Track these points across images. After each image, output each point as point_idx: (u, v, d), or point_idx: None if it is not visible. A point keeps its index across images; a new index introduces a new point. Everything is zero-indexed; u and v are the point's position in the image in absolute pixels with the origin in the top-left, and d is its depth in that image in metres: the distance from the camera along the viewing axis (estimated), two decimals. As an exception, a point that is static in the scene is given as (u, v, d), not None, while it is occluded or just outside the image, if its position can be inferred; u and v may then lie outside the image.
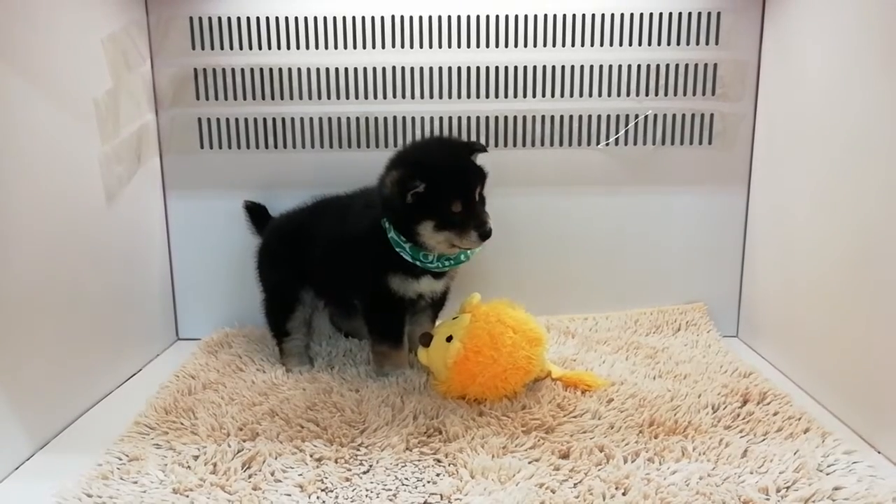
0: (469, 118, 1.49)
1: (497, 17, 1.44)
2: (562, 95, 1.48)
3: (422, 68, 1.46)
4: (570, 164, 1.52)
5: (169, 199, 1.53)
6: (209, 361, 1.37)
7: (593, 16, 1.44)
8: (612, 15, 1.44)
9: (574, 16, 1.44)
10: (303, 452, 1.01)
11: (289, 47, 1.45)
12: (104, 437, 1.06)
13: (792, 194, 1.33)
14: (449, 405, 1.15)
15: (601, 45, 1.45)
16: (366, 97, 1.48)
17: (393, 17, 1.44)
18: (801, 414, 1.11)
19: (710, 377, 1.26)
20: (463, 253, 1.24)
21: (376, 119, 1.49)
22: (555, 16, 1.44)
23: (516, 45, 1.46)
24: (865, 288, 1.09)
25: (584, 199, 1.54)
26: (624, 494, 0.90)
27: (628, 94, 1.48)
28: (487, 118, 1.49)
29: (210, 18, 1.44)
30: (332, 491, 0.93)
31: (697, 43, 1.45)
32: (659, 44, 1.45)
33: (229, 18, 1.44)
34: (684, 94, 1.48)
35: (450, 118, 1.49)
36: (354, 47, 1.45)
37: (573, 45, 1.45)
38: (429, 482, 0.94)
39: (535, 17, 1.44)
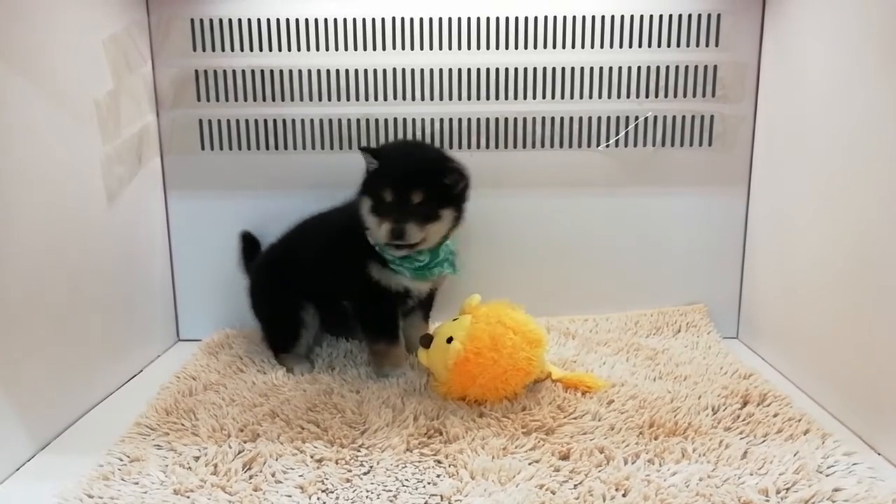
0: (469, 120, 1.49)
1: (498, 18, 1.44)
2: (562, 97, 1.48)
3: (422, 70, 1.47)
4: (570, 166, 1.52)
5: (170, 200, 1.53)
6: (210, 362, 1.37)
7: (593, 18, 1.44)
8: (613, 17, 1.44)
9: (574, 18, 1.44)
10: (303, 453, 1.01)
11: (290, 49, 1.46)
12: (105, 438, 1.06)
13: (792, 196, 1.33)
14: (449, 406, 1.15)
15: (601, 46, 1.46)
16: (367, 99, 1.48)
17: (394, 18, 1.44)
18: (801, 415, 1.11)
19: (710, 379, 1.26)
20: (427, 265, 1.26)
21: (377, 121, 1.49)
22: (555, 18, 1.44)
23: (517, 47, 1.46)
24: (866, 289, 1.09)
25: (585, 201, 1.54)
26: (624, 496, 0.90)
27: (629, 96, 1.48)
28: (488, 120, 1.49)
29: (211, 20, 1.44)
30: (332, 492, 0.93)
31: (697, 45, 1.46)
32: (659, 45, 1.46)
33: (230, 20, 1.44)
34: (684, 95, 1.48)
35: (450, 120, 1.49)
36: (355, 49, 1.46)
37: (573, 46, 1.46)
38: (429, 483, 0.94)
39: (536, 18, 1.44)
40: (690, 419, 1.10)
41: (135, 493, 0.92)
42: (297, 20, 1.44)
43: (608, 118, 1.49)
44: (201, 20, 1.44)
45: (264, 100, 1.48)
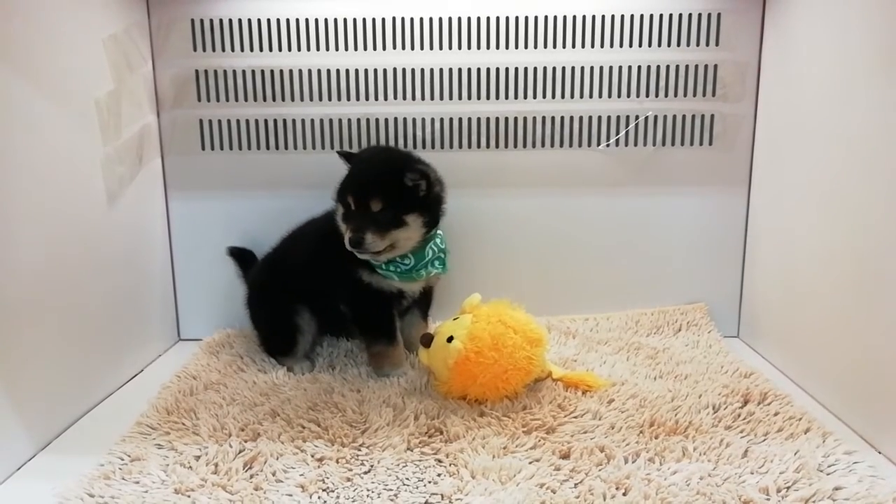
0: (470, 119, 1.49)
1: (498, 18, 1.44)
2: (562, 97, 1.48)
3: (422, 70, 1.47)
4: (570, 166, 1.52)
5: (170, 201, 1.53)
6: (210, 362, 1.37)
7: (594, 17, 1.44)
8: (613, 16, 1.44)
9: (575, 17, 1.44)
10: (304, 453, 1.01)
11: (290, 49, 1.46)
12: (106, 438, 1.06)
13: (792, 195, 1.33)
14: (450, 405, 1.15)
15: (602, 46, 1.46)
16: (367, 98, 1.48)
17: (394, 18, 1.44)
18: (802, 414, 1.11)
19: (710, 377, 1.26)
20: (414, 267, 1.27)
21: (377, 120, 1.49)
22: (555, 17, 1.44)
23: (517, 47, 1.46)
24: (866, 288, 1.09)
25: (585, 200, 1.54)
26: (624, 495, 0.90)
27: (629, 96, 1.48)
28: (488, 119, 1.49)
29: (211, 20, 1.44)
30: (333, 491, 0.93)
31: (698, 44, 1.46)
32: (659, 45, 1.46)
33: (230, 20, 1.44)
34: (685, 95, 1.48)
35: (451, 119, 1.49)
36: (356, 49, 1.46)
37: (574, 46, 1.46)
38: (430, 482, 0.94)
39: (536, 18, 1.44)
40: (691, 418, 1.10)
41: (136, 493, 0.92)
42: (297, 20, 1.44)
43: (608, 118, 1.49)
44: (202, 20, 1.44)
45: (265, 100, 1.48)
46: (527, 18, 1.44)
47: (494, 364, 1.14)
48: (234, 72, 1.47)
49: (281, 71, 1.47)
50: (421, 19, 1.44)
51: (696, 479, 0.93)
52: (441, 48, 1.46)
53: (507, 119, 1.50)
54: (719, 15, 1.44)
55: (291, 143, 1.50)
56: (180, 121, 1.49)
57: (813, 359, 1.26)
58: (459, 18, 1.44)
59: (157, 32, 1.44)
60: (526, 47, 1.46)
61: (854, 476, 0.93)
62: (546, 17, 1.44)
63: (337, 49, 1.46)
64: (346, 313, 1.35)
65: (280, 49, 1.46)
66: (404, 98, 1.48)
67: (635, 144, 1.51)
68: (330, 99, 1.48)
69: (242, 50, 1.46)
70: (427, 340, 1.22)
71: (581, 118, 1.49)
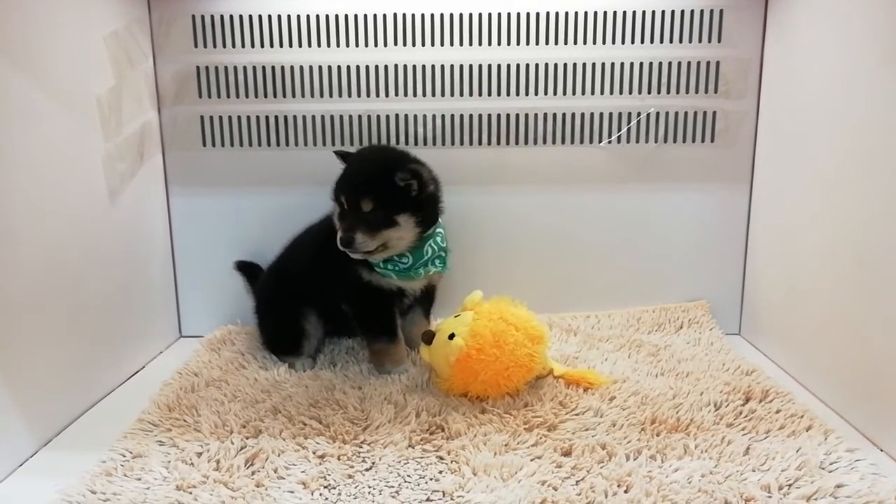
0: (472, 116, 1.49)
1: (499, 14, 1.44)
2: (564, 93, 1.48)
3: (424, 66, 1.46)
4: (571, 162, 1.52)
5: (171, 197, 1.53)
6: (212, 359, 1.37)
7: (595, 13, 1.44)
8: (615, 12, 1.44)
9: (576, 13, 1.44)
10: (306, 449, 1.01)
11: (291, 45, 1.45)
12: (107, 434, 1.06)
13: (794, 192, 1.33)
14: (451, 402, 1.15)
15: (603, 42, 1.45)
16: (368, 95, 1.48)
17: (395, 14, 1.44)
18: (804, 411, 1.11)
19: (712, 375, 1.26)
20: (412, 266, 1.27)
21: (378, 117, 1.49)
22: (557, 13, 1.44)
23: (518, 43, 1.46)
24: (868, 285, 1.09)
25: (586, 197, 1.54)
26: (626, 492, 0.90)
27: (630, 92, 1.48)
28: (490, 116, 1.49)
29: (212, 16, 1.44)
30: (334, 488, 0.93)
31: (700, 40, 1.45)
32: (661, 41, 1.45)
33: (231, 16, 1.44)
34: (686, 91, 1.47)
35: (452, 116, 1.49)
36: (357, 45, 1.45)
37: (575, 42, 1.45)
38: (431, 479, 0.94)
39: (538, 14, 1.44)
40: (692, 415, 1.10)
41: (137, 489, 0.92)
42: (298, 16, 1.44)
43: (610, 114, 1.49)
44: (202, 16, 1.44)
45: (266, 96, 1.48)
46: (528, 14, 1.44)
47: (496, 361, 1.14)
48: (236, 68, 1.46)
49: (282, 67, 1.46)
50: (422, 16, 1.44)
51: (698, 476, 0.93)
52: (443, 45, 1.45)
53: (508, 116, 1.49)
54: (721, 11, 1.44)
55: (293, 140, 1.50)
56: (181, 117, 1.49)
57: (815, 356, 1.26)
58: (461, 15, 1.44)
59: (157, 28, 1.44)
60: (527, 44, 1.45)
61: (856, 474, 0.93)
62: (548, 14, 1.44)
63: (338, 45, 1.45)
64: (348, 312, 1.35)
65: (281, 45, 1.45)
66: (405, 95, 1.48)
67: (637, 141, 1.50)
68: (331, 95, 1.48)
69: (243, 46, 1.45)
70: (428, 338, 1.22)
71: (583, 115, 1.49)
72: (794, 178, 1.33)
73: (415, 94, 1.48)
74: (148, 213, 1.46)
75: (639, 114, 1.49)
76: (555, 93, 1.48)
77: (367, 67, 1.46)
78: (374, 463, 0.99)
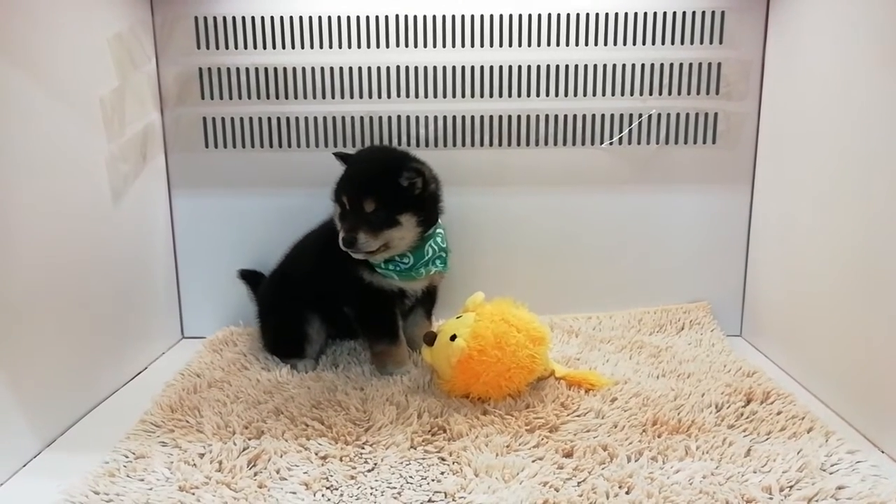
0: (473, 117, 1.49)
1: (501, 16, 1.44)
2: (566, 95, 1.48)
3: (426, 67, 1.47)
4: (573, 164, 1.52)
5: (174, 198, 1.54)
6: (214, 360, 1.38)
7: (597, 15, 1.44)
8: (617, 14, 1.44)
9: (578, 15, 1.44)
10: (308, 451, 1.01)
11: (293, 47, 1.46)
12: (110, 435, 1.07)
13: (796, 193, 1.33)
14: (453, 404, 1.15)
15: (605, 44, 1.45)
16: (370, 96, 1.48)
17: (398, 16, 1.44)
18: (805, 413, 1.11)
19: (713, 376, 1.26)
20: (413, 266, 1.28)
21: (380, 118, 1.49)
22: (559, 15, 1.44)
23: (520, 45, 1.46)
24: (870, 287, 1.09)
25: (588, 199, 1.54)
26: (627, 493, 0.90)
27: (632, 94, 1.48)
28: (491, 117, 1.49)
29: (215, 18, 1.44)
30: (337, 489, 0.93)
31: (702, 42, 1.45)
32: (663, 43, 1.45)
33: (234, 18, 1.44)
34: (688, 93, 1.48)
35: (454, 117, 1.49)
36: (359, 46, 1.46)
37: (577, 44, 1.46)
38: (433, 480, 0.95)
39: (540, 16, 1.44)
40: (694, 417, 1.10)
41: (140, 490, 0.92)
42: (300, 18, 1.44)
43: (612, 116, 1.49)
44: (205, 18, 1.44)
45: (268, 98, 1.48)
46: (530, 16, 1.44)
47: (497, 362, 1.14)
48: (238, 69, 1.47)
49: (284, 69, 1.47)
50: (424, 17, 1.44)
51: (699, 477, 0.93)
52: (444, 46, 1.46)
53: (509, 117, 1.49)
54: (723, 13, 1.44)
55: (295, 141, 1.51)
56: (184, 118, 1.49)
57: (816, 358, 1.26)
58: (463, 16, 1.44)
59: (160, 30, 1.45)
60: (529, 45, 1.46)
61: (857, 475, 0.93)
62: (549, 15, 1.44)
63: (340, 47, 1.46)
64: (350, 314, 1.35)
65: (283, 47, 1.46)
66: (407, 96, 1.48)
67: (638, 143, 1.51)
68: (333, 97, 1.48)
69: (246, 48, 1.46)
70: (430, 339, 1.22)
71: (584, 116, 1.49)
72: (795, 179, 1.33)
73: (416, 96, 1.48)
74: (150, 214, 1.46)
75: (640, 115, 1.49)
76: (556, 94, 1.48)
77: (369, 69, 1.47)
78: (376, 464, 0.99)
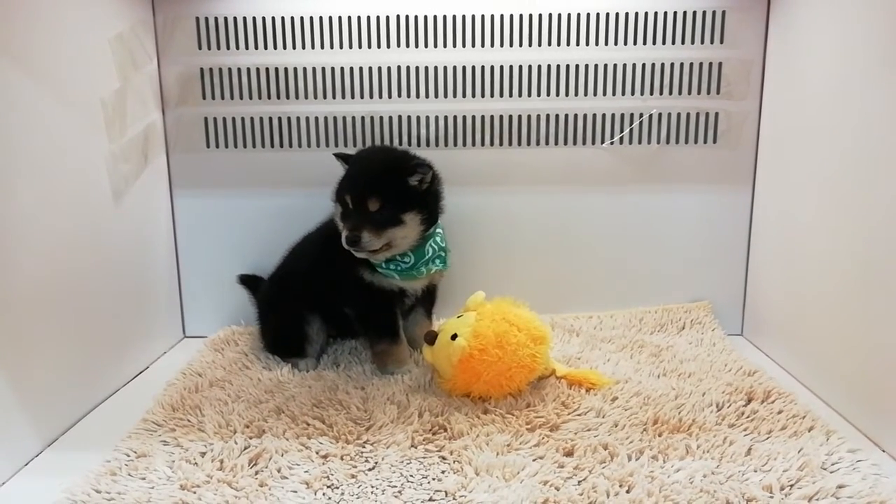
0: (474, 117, 1.49)
1: (503, 16, 1.44)
2: (566, 94, 1.48)
3: (426, 67, 1.47)
4: (574, 163, 1.52)
5: (175, 198, 1.54)
6: (216, 359, 1.38)
7: (598, 15, 1.44)
8: (617, 14, 1.44)
9: (579, 15, 1.44)
10: (309, 449, 1.02)
11: (295, 47, 1.46)
12: (112, 434, 1.07)
13: (797, 192, 1.33)
14: (454, 403, 1.15)
15: (606, 44, 1.46)
16: (371, 96, 1.48)
17: (398, 16, 1.44)
18: (806, 412, 1.11)
19: (714, 375, 1.26)
20: (414, 265, 1.28)
21: (382, 118, 1.49)
22: (560, 15, 1.44)
23: (521, 45, 1.46)
24: (871, 286, 1.09)
25: (589, 198, 1.54)
26: (628, 492, 0.91)
27: (633, 93, 1.48)
28: (493, 117, 1.49)
29: (216, 18, 1.45)
30: (337, 488, 0.93)
31: (702, 42, 1.45)
32: (664, 43, 1.45)
33: (235, 18, 1.45)
34: (689, 92, 1.48)
35: (455, 117, 1.49)
36: (360, 47, 1.46)
37: (578, 44, 1.46)
38: (434, 479, 0.95)
39: (540, 16, 1.44)
40: (694, 416, 1.10)
41: (142, 489, 0.92)
42: (302, 18, 1.45)
43: (613, 115, 1.49)
44: (206, 18, 1.45)
45: (270, 98, 1.49)
46: (531, 16, 1.44)
47: (498, 362, 1.14)
48: (239, 70, 1.47)
49: (285, 69, 1.47)
50: (426, 17, 1.44)
51: (700, 476, 0.93)
52: (445, 46, 1.46)
53: (511, 117, 1.50)
54: (724, 13, 1.44)
55: (296, 141, 1.51)
56: (185, 119, 1.50)
57: (817, 357, 1.26)
58: (464, 16, 1.44)
59: (162, 30, 1.45)
60: (530, 45, 1.46)
61: (858, 474, 0.93)
62: (550, 15, 1.44)
63: (342, 47, 1.46)
64: (350, 314, 1.35)
65: (284, 47, 1.46)
66: (409, 96, 1.48)
67: (639, 142, 1.51)
68: (335, 97, 1.48)
69: (247, 48, 1.46)
70: (431, 338, 1.23)
71: (585, 116, 1.49)
72: (796, 178, 1.33)
73: (418, 96, 1.48)
74: (152, 214, 1.47)
75: (641, 115, 1.49)
76: (557, 94, 1.48)
77: (371, 69, 1.47)
78: (376, 463, 0.99)
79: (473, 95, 1.48)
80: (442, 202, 1.33)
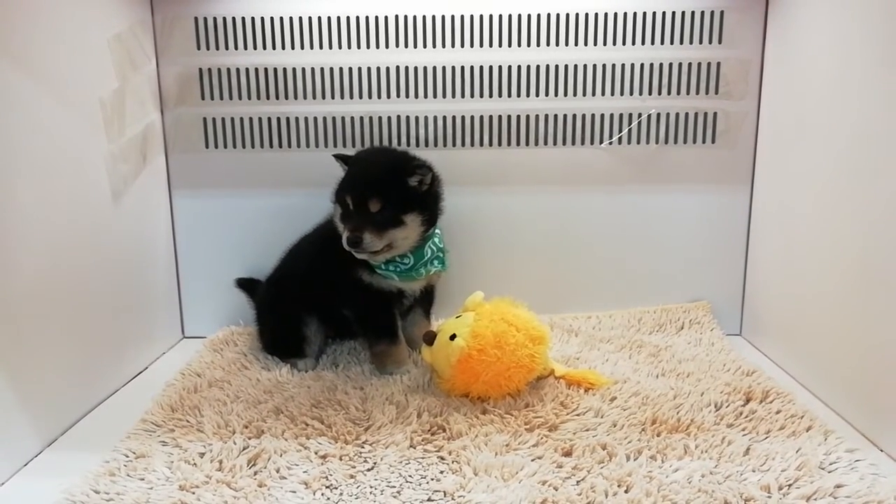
0: (473, 117, 1.50)
1: (500, 16, 1.44)
2: (565, 94, 1.48)
3: (425, 68, 1.47)
4: (573, 163, 1.52)
5: (174, 198, 1.54)
6: (215, 359, 1.38)
7: (596, 15, 1.44)
8: (616, 14, 1.44)
9: (577, 15, 1.44)
10: (308, 450, 1.02)
11: (293, 47, 1.46)
12: (111, 435, 1.07)
13: (795, 192, 1.33)
14: (452, 403, 1.16)
15: (604, 44, 1.46)
16: (370, 97, 1.48)
17: (397, 16, 1.44)
18: (804, 412, 1.11)
19: (713, 375, 1.26)
20: (413, 266, 1.28)
21: (380, 118, 1.49)
22: (558, 15, 1.44)
23: (520, 45, 1.46)
24: (869, 286, 1.09)
25: (588, 198, 1.54)
26: (626, 492, 0.91)
27: (632, 93, 1.48)
28: (491, 117, 1.50)
29: (215, 18, 1.45)
30: (336, 488, 0.93)
31: (701, 41, 1.45)
32: (662, 42, 1.46)
33: (234, 18, 1.45)
34: (687, 92, 1.48)
35: (454, 117, 1.50)
36: (359, 47, 1.46)
37: (576, 44, 1.46)
38: (433, 479, 0.95)
39: (539, 16, 1.44)
40: (693, 416, 1.10)
41: (140, 489, 0.92)
42: (300, 18, 1.45)
43: (611, 115, 1.49)
44: (205, 18, 1.45)
45: (268, 98, 1.49)
46: (529, 16, 1.44)
47: (497, 362, 1.14)
48: (238, 70, 1.47)
49: (284, 69, 1.47)
50: (424, 17, 1.44)
51: (698, 476, 0.93)
52: (444, 46, 1.46)
53: (509, 117, 1.50)
54: (722, 13, 1.44)
55: (295, 142, 1.51)
56: (184, 119, 1.50)
57: (815, 357, 1.26)
58: (462, 16, 1.44)
59: (160, 31, 1.45)
60: (529, 45, 1.46)
61: (855, 474, 0.93)
62: (549, 15, 1.44)
63: (340, 47, 1.46)
64: (349, 315, 1.35)
65: (283, 47, 1.46)
66: (407, 96, 1.48)
67: (638, 142, 1.51)
68: (333, 97, 1.48)
69: (246, 48, 1.46)
70: (430, 338, 1.23)
71: (584, 116, 1.49)
72: (795, 178, 1.34)
73: (416, 96, 1.48)
74: (151, 214, 1.47)
75: (640, 115, 1.49)
76: (556, 94, 1.48)
77: (369, 69, 1.47)
78: (375, 463, 0.99)
79: (472, 95, 1.48)
80: (442, 203, 1.33)
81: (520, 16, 1.44)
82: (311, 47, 1.46)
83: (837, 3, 1.19)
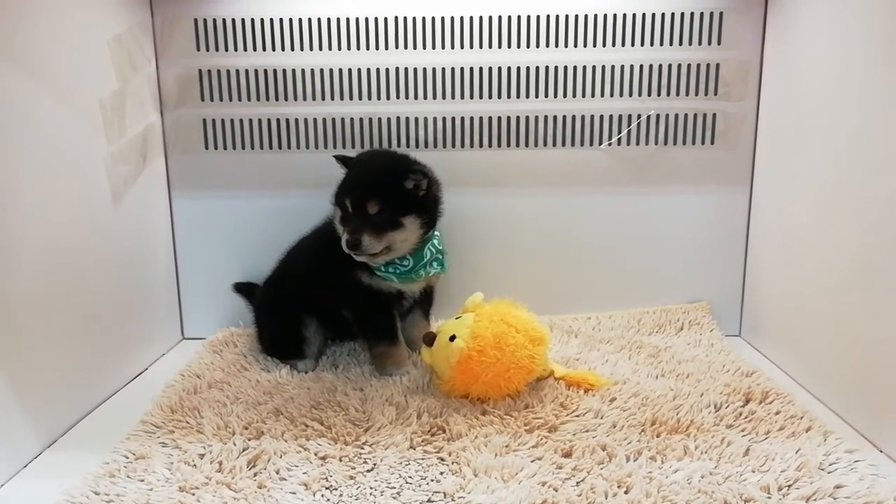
0: (472, 119, 1.50)
1: (500, 17, 1.45)
2: (564, 96, 1.48)
3: (425, 69, 1.47)
4: (572, 165, 1.52)
5: (174, 200, 1.54)
6: (214, 361, 1.38)
7: (595, 16, 1.44)
8: (615, 15, 1.44)
9: (576, 16, 1.44)
10: (307, 451, 1.02)
11: (293, 48, 1.46)
12: (111, 436, 1.07)
13: (795, 193, 1.33)
14: (452, 404, 1.16)
15: (603, 45, 1.46)
16: (370, 98, 1.48)
17: (396, 18, 1.44)
18: (804, 413, 1.11)
19: (712, 376, 1.26)
20: (413, 268, 1.28)
21: (380, 120, 1.50)
22: (557, 16, 1.44)
23: (519, 46, 1.46)
24: (868, 287, 1.09)
25: (587, 200, 1.54)
26: (626, 493, 0.91)
27: (630, 95, 1.48)
28: (490, 118, 1.50)
29: (215, 20, 1.45)
30: (336, 489, 0.93)
31: (700, 43, 1.46)
32: (661, 44, 1.46)
33: (234, 20, 1.45)
34: (686, 94, 1.48)
35: (453, 119, 1.50)
36: (358, 48, 1.46)
37: (575, 45, 1.46)
38: (432, 480, 0.95)
39: (538, 17, 1.44)
40: (693, 416, 1.10)
41: (140, 491, 0.92)
42: (300, 20, 1.45)
43: (610, 116, 1.50)
44: (205, 20, 1.45)
45: (268, 99, 1.49)
46: (528, 17, 1.45)
47: (497, 363, 1.14)
48: (238, 71, 1.47)
49: (284, 70, 1.47)
50: (423, 18, 1.45)
51: (698, 477, 0.93)
52: (443, 47, 1.46)
53: (508, 118, 1.50)
54: (721, 14, 1.44)
55: (294, 143, 1.51)
56: (184, 120, 1.50)
57: (815, 357, 1.26)
58: (462, 18, 1.45)
59: (160, 32, 1.45)
60: (528, 46, 1.46)
61: (855, 474, 0.93)
62: (548, 17, 1.44)
63: (340, 49, 1.46)
64: (348, 317, 1.35)
65: (283, 49, 1.46)
66: (407, 98, 1.49)
67: (637, 143, 1.51)
68: (333, 98, 1.48)
69: (245, 49, 1.46)
70: (430, 339, 1.23)
71: (583, 117, 1.50)
72: (794, 179, 1.34)
73: (416, 97, 1.49)
74: (150, 216, 1.47)
75: (639, 116, 1.49)
76: (556, 95, 1.48)
77: (369, 70, 1.47)
78: (375, 464, 0.99)
79: (472, 97, 1.49)
80: (441, 206, 1.33)
81: (519, 17, 1.45)
82: (311, 49, 1.46)
83: (837, 4, 1.19)
